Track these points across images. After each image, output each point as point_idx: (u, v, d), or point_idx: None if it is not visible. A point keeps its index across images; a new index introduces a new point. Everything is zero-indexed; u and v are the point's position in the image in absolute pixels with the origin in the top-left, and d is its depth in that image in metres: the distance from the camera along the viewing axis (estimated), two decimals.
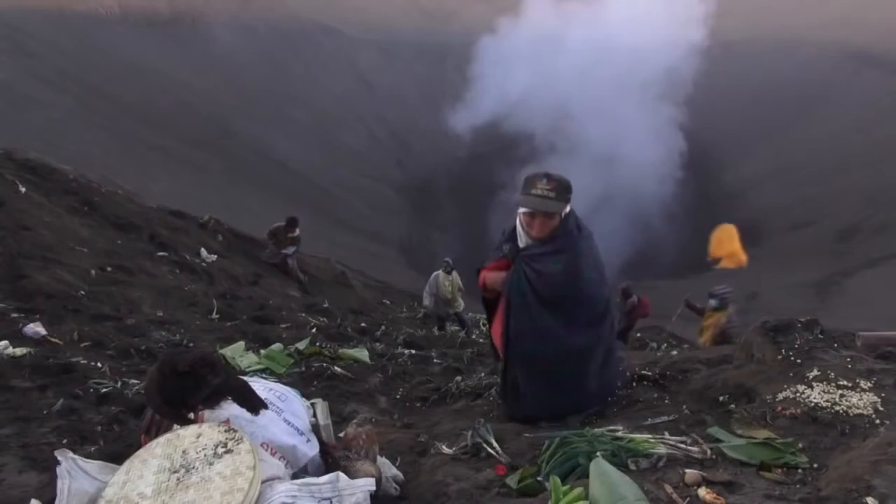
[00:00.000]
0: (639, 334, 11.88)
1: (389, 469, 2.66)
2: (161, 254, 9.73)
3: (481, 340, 8.97)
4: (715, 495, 2.09)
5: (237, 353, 5.04)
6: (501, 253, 3.36)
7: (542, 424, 3.27)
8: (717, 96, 48.18)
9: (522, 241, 3.28)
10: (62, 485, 2.07)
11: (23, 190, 9.01)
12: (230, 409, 2.31)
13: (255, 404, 2.33)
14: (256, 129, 38.38)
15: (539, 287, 3.16)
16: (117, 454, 2.66)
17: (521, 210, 3.20)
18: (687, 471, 2.29)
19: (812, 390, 2.91)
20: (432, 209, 43.98)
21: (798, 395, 2.91)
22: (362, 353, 5.73)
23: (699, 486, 2.19)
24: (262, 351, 5.30)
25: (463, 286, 10.60)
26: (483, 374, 5.24)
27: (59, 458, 2.12)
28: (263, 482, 2.05)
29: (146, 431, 2.43)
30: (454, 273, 10.44)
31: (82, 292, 6.29)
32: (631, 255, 37.60)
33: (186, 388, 2.22)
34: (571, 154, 43.41)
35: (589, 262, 3.24)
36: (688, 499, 2.11)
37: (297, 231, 12.42)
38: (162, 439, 2.20)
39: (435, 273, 10.45)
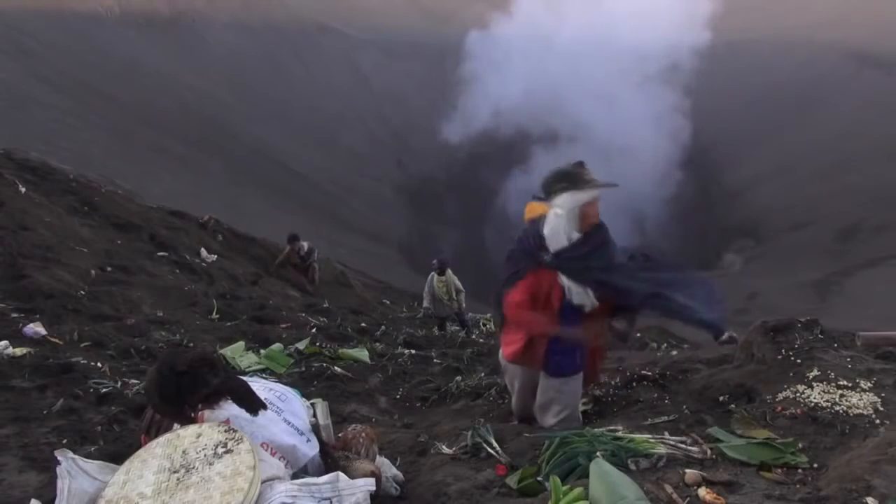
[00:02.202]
0: (639, 334, 11.84)
1: (389, 469, 2.66)
2: (161, 254, 9.72)
3: (481, 341, 8.96)
4: (715, 495, 2.09)
5: (237, 353, 5.04)
6: (536, 264, 3.18)
7: None
8: (718, 96, 48.18)
9: (555, 244, 3.14)
10: (62, 485, 2.07)
11: (23, 190, 9.00)
12: (230, 409, 2.31)
13: (254, 404, 2.32)
14: (256, 129, 38.38)
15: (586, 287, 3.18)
16: (117, 454, 2.66)
17: (586, 200, 3.08)
18: (687, 471, 2.30)
19: (812, 390, 2.91)
20: (432, 209, 43.98)
21: (798, 395, 2.91)
22: (362, 353, 5.73)
23: (699, 486, 2.19)
24: (262, 351, 5.30)
25: (461, 285, 10.48)
26: (483, 374, 5.24)
27: (59, 458, 2.12)
28: (263, 482, 2.05)
29: (146, 431, 2.43)
30: (448, 273, 10.29)
31: (82, 292, 6.28)
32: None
33: (185, 388, 2.23)
34: (571, 154, 43.39)
35: (616, 252, 3.28)
36: (688, 499, 2.11)
37: (305, 244, 12.21)
38: (162, 439, 2.20)
39: (431, 274, 10.38)
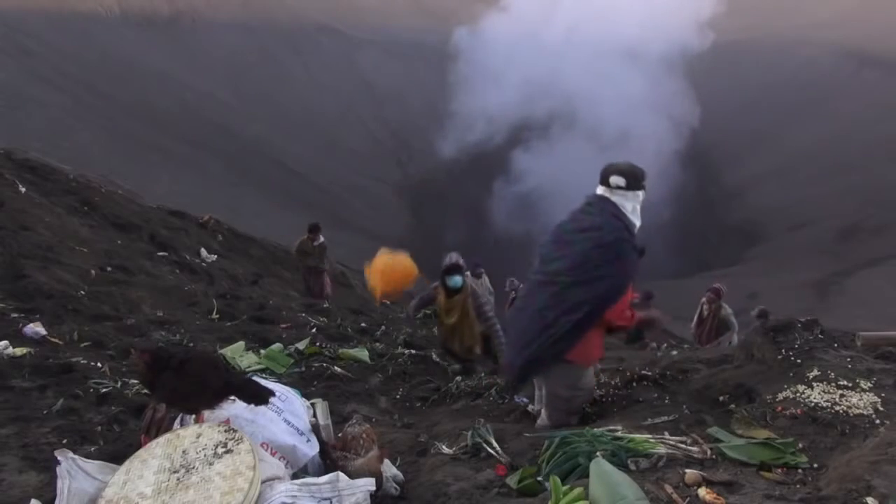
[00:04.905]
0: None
1: (389, 469, 2.66)
2: (161, 254, 9.72)
3: None
4: (715, 495, 2.08)
5: (237, 353, 5.04)
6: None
7: None
8: (718, 96, 48.16)
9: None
10: (62, 485, 2.07)
11: (23, 190, 9.01)
12: (230, 409, 2.31)
13: (262, 395, 2.34)
14: (256, 129, 38.39)
15: None
16: (117, 454, 2.66)
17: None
18: (687, 471, 2.29)
19: (812, 390, 2.91)
20: (432, 209, 43.95)
21: (798, 395, 2.91)
22: (362, 353, 5.73)
23: (699, 486, 2.19)
24: (262, 351, 5.29)
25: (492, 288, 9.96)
26: (483, 374, 5.24)
27: (59, 458, 2.12)
28: (263, 482, 2.06)
29: (146, 431, 2.43)
30: (484, 277, 9.59)
31: (82, 292, 6.28)
32: None
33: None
34: (571, 154, 43.45)
35: None
36: (688, 499, 2.11)
37: (322, 238, 10.75)
38: (162, 439, 2.20)
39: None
